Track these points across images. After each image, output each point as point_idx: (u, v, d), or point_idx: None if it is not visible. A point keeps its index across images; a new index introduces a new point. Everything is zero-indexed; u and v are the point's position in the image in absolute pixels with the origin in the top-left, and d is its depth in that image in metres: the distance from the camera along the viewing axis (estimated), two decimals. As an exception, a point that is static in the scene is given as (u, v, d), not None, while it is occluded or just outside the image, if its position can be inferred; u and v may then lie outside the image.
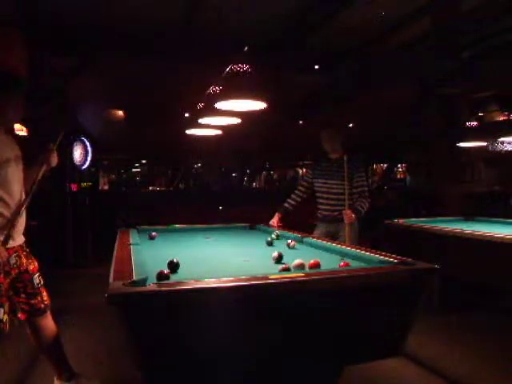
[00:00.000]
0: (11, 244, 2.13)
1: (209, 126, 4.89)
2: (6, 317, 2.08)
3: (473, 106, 7.52)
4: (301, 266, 1.91)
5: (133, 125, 8.60)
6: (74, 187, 7.07)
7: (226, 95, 3.38)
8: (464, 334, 3.37)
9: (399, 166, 14.56)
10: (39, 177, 2.23)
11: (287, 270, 1.84)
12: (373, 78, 5.67)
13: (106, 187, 14.52)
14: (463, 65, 4.83)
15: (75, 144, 6.98)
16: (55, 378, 2.39)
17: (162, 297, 1.42)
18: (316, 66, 5.49)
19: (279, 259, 2.23)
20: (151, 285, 1.48)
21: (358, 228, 3.49)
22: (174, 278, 1.70)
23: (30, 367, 2.76)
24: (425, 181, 9.97)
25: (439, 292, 3.72)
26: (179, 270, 1.91)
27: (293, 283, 1.58)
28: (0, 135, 2.15)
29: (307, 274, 1.70)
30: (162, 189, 14.16)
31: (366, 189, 3.55)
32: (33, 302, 2.23)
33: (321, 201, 3.64)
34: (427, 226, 3.96)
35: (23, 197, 2.21)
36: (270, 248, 2.74)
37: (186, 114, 6.41)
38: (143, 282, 1.50)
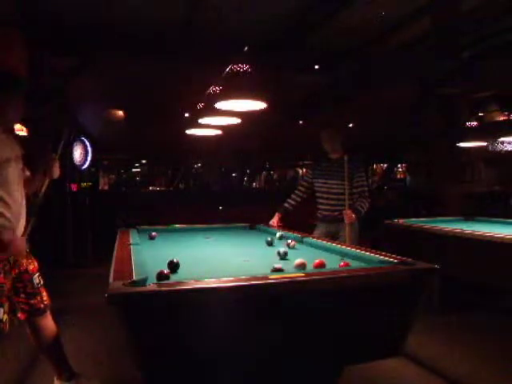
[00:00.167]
0: None
1: (209, 126, 4.89)
2: (5, 317, 2.08)
3: (473, 106, 7.52)
4: (302, 266, 1.91)
5: (133, 125, 8.60)
6: (74, 187, 7.07)
7: (225, 95, 3.38)
8: (464, 334, 3.37)
9: (399, 165, 14.57)
10: (43, 190, 2.23)
11: (279, 270, 1.82)
12: (373, 78, 5.67)
13: (106, 187, 14.53)
14: (463, 65, 4.83)
15: (75, 144, 6.99)
16: (55, 378, 2.39)
17: (161, 297, 1.42)
18: (316, 66, 5.49)
19: (284, 256, 2.30)
20: (151, 285, 1.48)
21: (358, 228, 3.49)
22: (174, 277, 1.70)
23: (30, 367, 2.76)
24: (425, 181, 9.97)
25: (439, 292, 3.72)
26: (179, 270, 1.91)
27: (293, 283, 1.58)
28: (0, 135, 2.15)
29: (307, 274, 1.70)
30: (162, 189, 14.16)
31: (366, 189, 3.55)
32: (32, 301, 2.23)
33: (321, 201, 3.64)
34: (427, 225, 3.96)
35: (23, 197, 2.21)
36: (270, 248, 2.74)
37: (186, 114, 6.42)
38: (143, 281, 1.50)
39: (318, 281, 1.64)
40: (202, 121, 4.37)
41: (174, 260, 1.95)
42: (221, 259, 2.37)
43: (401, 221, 4.22)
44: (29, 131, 4.73)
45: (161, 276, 1.65)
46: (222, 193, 11.31)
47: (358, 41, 5.03)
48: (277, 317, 1.57)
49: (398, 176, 14.60)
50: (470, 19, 4.08)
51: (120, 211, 7.47)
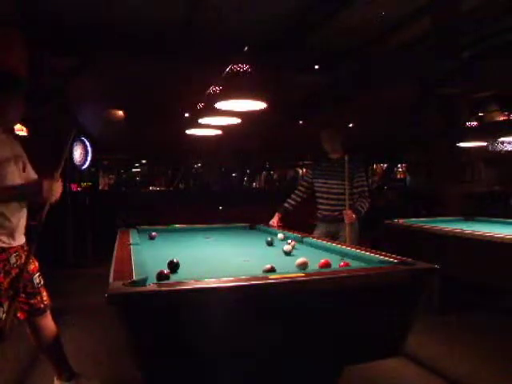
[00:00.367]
0: (12, 244, 2.13)
1: (209, 126, 4.89)
2: (5, 316, 2.08)
3: (473, 106, 7.52)
4: (304, 265, 1.91)
5: (133, 125, 8.60)
6: (74, 187, 7.08)
7: (225, 95, 3.38)
8: (464, 334, 3.37)
9: (399, 165, 14.57)
10: (44, 215, 2.13)
11: (272, 270, 1.81)
12: (373, 78, 5.67)
13: (106, 187, 14.52)
14: (463, 65, 4.83)
15: (75, 144, 6.99)
16: (55, 378, 2.39)
17: (161, 297, 1.42)
18: (316, 66, 5.49)
19: (289, 253, 2.39)
20: (151, 285, 1.48)
21: (359, 228, 3.49)
22: (174, 277, 1.70)
23: (30, 367, 2.77)
24: (425, 181, 9.97)
25: (439, 292, 3.72)
26: (179, 270, 1.91)
27: (293, 283, 1.58)
28: (0, 135, 2.15)
29: (307, 274, 1.70)
30: (162, 189, 14.16)
31: (366, 189, 3.55)
32: (32, 301, 2.23)
33: (321, 201, 3.64)
34: (427, 225, 3.96)
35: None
36: (270, 248, 2.74)
37: (186, 114, 6.42)
38: (143, 281, 1.50)
39: (318, 281, 1.64)
40: (201, 121, 4.37)
41: (174, 260, 1.95)
42: (221, 259, 2.37)
43: (401, 221, 4.22)
44: (29, 131, 4.74)
45: (161, 276, 1.65)
46: (222, 193, 11.31)
47: (358, 41, 5.04)
48: (277, 317, 1.57)
49: (398, 176, 14.61)
50: (469, 19, 4.08)
51: (120, 211, 7.47)
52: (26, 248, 2.27)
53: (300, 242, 2.82)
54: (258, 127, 7.86)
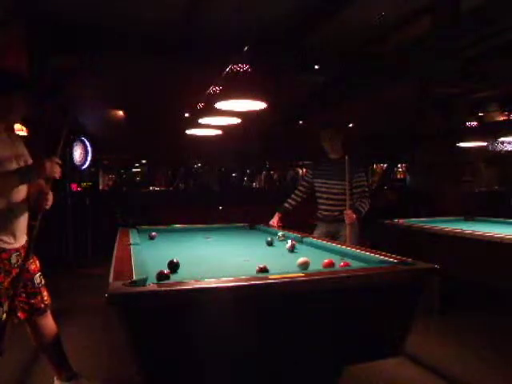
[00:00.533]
0: (14, 244, 2.13)
1: (209, 126, 4.89)
2: (5, 316, 2.08)
3: (473, 106, 7.52)
4: (305, 264, 1.92)
5: (133, 125, 8.60)
6: (74, 187, 7.08)
7: (225, 95, 3.38)
8: (464, 333, 3.37)
9: (399, 165, 14.55)
10: (45, 203, 2.17)
11: (264, 270, 1.79)
12: (373, 78, 5.67)
13: (106, 188, 14.50)
14: (463, 65, 4.83)
15: (75, 144, 6.99)
16: (55, 378, 2.39)
17: (161, 297, 1.42)
18: (316, 66, 5.49)
19: (292, 249, 2.47)
20: (151, 285, 1.48)
21: (359, 228, 3.49)
22: (174, 277, 1.70)
23: (30, 367, 2.77)
24: (425, 181, 9.96)
25: (439, 292, 3.72)
26: (179, 270, 1.91)
27: (293, 283, 1.58)
28: (1, 134, 2.16)
29: (307, 274, 1.70)
30: (162, 189, 14.14)
31: (367, 189, 3.55)
32: (33, 301, 2.23)
33: (321, 201, 3.63)
34: (427, 226, 3.96)
35: (25, 197, 2.20)
36: (270, 248, 2.74)
37: (186, 114, 6.42)
38: (143, 281, 1.50)
39: (318, 281, 1.64)
40: (201, 121, 4.37)
41: (174, 260, 1.95)
42: (221, 259, 2.37)
43: (401, 221, 4.22)
44: (29, 131, 4.73)
45: (161, 276, 1.65)
46: (222, 193, 11.30)
47: (358, 41, 5.04)
48: (277, 317, 1.58)
49: (398, 176, 14.59)
50: (470, 19, 4.08)
51: (118, 207, 7.48)
52: (27, 248, 2.27)
53: (300, 242, 2.82)
54: (258, 127, 7.86)
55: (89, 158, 7.35)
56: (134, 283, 1.48)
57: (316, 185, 3.67)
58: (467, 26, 4.10)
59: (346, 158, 3.34)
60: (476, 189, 9.37)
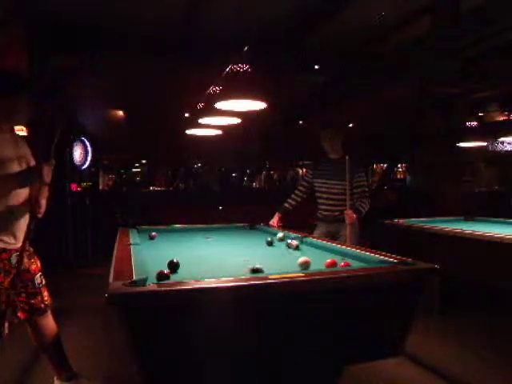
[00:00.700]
0: (14, 245, 2.13)
1: (209, 126, 4.89)
2: (5, 316, 2.08)
3: (473, 106, 7.52)
4: (306, 264, 1.91)
5: (133, 125, 8.60)
6: (74, 187, 7.08)
7: (225, 95, 3.38)
8: (464, 333, 3.37)
9: (399, 165, 14.55)
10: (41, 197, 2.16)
11: (258, 271, 1.78)
12: (373, 78, 5.67)
13: (106, 188, 14.50)
14: (463, 65, 4.83)
15: (75, 144, 6.99)
16: (55, 378, 2.39)
17: (161, 297, 1.42)
18: (316, 66, 5.49)
19: (297, 248, 2.54)
20: (151, 285, 1.48)
21: (359, 228, 3.49)
22: (174, 277, 1.70)
23: (30, 367, 2.77)
24: (425, 181, 9.95)
25: (439, 292, 3.72)
26: (179, 270, 1.91)
27: (293, 283, 1.58)
28: (4, 134, 2.16)
29: (307, 274, 1.70)
30: (162, 189, 14.14)
31: (367, 189, 3.55)
32: (33, 301, 2.23)
33: (321, 201, 3.63)
34: (427, 225, 3.96)
35: (26, 197, 2.20)
36: (270, 248, 2.74)
37: (186, 114, 6.42)
38: (143, 281, 1.50)
39: (318, 281, 1.64)
40: (201, 121, 4.37)
41: (174, 260, 1.95)
42: (221, 259, 2.37)
43: (401, 221, 4.22)
44: (29, 131, 4.73)
45: (161, 276, 1.65)
46: (222, 193, 11.30)
47: (358, 41, 5.04)
48: (277, 317, 1.58)
49: (398, 176, 14.59)
50: (470, 19, 4.09)
51: (118, 207, 7.48)
52: (27, 248, 2.27)
53: (300, 241, 2.82)
54: (258, 127, 7.87)
55: (89, 158, 7.35)
56: (134, 283, 1.48)
57: (316, 185, 3.67)
58: (467, 25, 4.10)
59: (347, 157, 3.34)
60: (476, 189, 9.37)
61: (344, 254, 2.27)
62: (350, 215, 3.31)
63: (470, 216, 4.65)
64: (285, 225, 3.62)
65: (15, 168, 2.13)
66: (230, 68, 3.64)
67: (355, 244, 3.00)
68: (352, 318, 1.71)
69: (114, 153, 12.75)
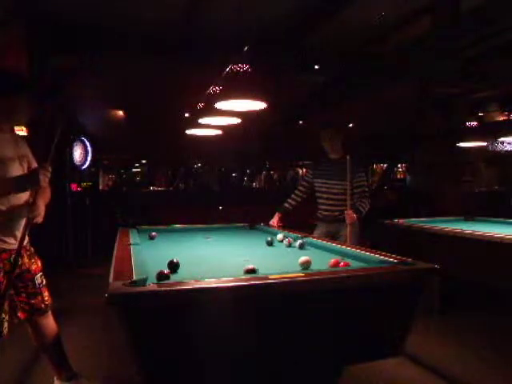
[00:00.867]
0: (15, 245, 2.13)
1: (209, 126, 4.89)
2: (4, 316, 2.08)
3: (473, 106, 7.52)
4: (307, 263, 1.91)
5: (133, 125, 8.60)
6: (74, 187, 7.08)
7: (225, 95, 3.37)
8: (464, 333, 3.37)
9: (399, 165, 14.55)
10: (36, 201, 2.12)
11: (252, 271, 1.77)
12: (373, 78, 5.67)
13: (106, 188, 14.50)
14: (463, 65, 4.83)
15: (75, 144, 6.99)
16: (55, 378, 2.39)
17: (161, 297, 1.42)
18: (316, 66, 5.49)
19: (302, 247, 2.56)
20: (151, 285, 1.48)
21: (359, 228, 3.49)
22: (174, 277, 1.70)
23: (30, 367, 2.77)
24: (425, 181, 9.95)
25: (439, 292, 3.72)
26: (179, 270, 1.91)
27: (293, 283, 1.58)
28: (4, 134, 2.16)
29: (307, 274, 1.70)
30: (162, 189, 14.14)
31: (367, 189, 3.55)
32: (33, 301, 2.23)
33: (321, 201, 3.63)
34: (427, 225, 3.96)
35: (27, 198, 2.20)
36: (270, 248, 2.74)
37: (186, 114, 6.42)
38: (143, 281, 1.50)
39: (318, 281, 1.64)
40: (201, 121, 4.37)
41: (174, 260, 1.95)
42: (221, 259, 2.37)
43: (401, 221, 4.22)
44: (29, 131, 4.74)
45: (161, 276, 1.65)
46: (222, 193, 11.30)
47: (358, 41, 5.04)
48: (277, 317, 1.58)
49: (398, 176, 14.59)
50: (470, 19, 4.09)
51: (118, 207, 7.48)
52: (28, 248, 2.27)
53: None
54: (258, 127, 7.87)
55: (89, 158, 7.35)
56: (134, 283, 1.48)
57: (316, 185, 3.67)
58: (467, 25, 4.11)
59: (348, 157, 3.34)
60: (476, 189, 9.37)
61: (344, 254, 2.27)
62: (350, 215, 3.31)
63: (469, 216, 4.65)
64: (285, 225, 3.62)
65: (16, 168, 2.13)
66: (230, 68, 3.64)
67: (355, 244, 3.00)
68: (352, 318, 1.71)
69: (114, 153, 12.75)
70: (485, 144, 7.55)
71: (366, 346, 1.78)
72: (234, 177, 15.87)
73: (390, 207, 7.83)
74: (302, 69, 5.55)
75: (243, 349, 1.54)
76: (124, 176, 17.01)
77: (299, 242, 2.65)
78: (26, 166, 2.22)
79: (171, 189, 13.51)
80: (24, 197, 2.17)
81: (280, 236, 2.96)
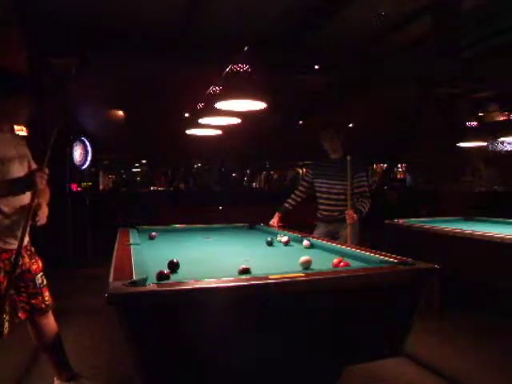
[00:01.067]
0: (15, 245, 2.13)
1: (209, 126, 4.89)
2: (5, 316, 2.08)
3: (473, 106, 7.52)
4: (308, 263, 1.92)
5: (133, 125, 8.60)
6: (74, 187, 7.08)
7: (226, 95, 3.38)
8: (464, 333, 3.37)
9: (399, 165, 14.56)
10: (34, 204, 2.11)
11: (246, 271, 1.77)
12: (373, 78, 5.67)
13: (106, 188, 14.51)
14: (463, 65, 4.84)
15: (75, 144, 7.00)
16: (55, 378, 2.39)
17: (161, 297, 1.42)
18: (316, 66, 5.49)
19: (309, 247, 2.59)
20: (151, 285, 1.48)
21: (359, 228, 3.49)
22: (174, 277, 1.70)
23: (30, 367, 2.76)
24: (424, 180, 9.96)
25: (439, 292, 3.72)
26: (179, 270, 1.91)
27: (293, 283, 1.58)
28: (5, 134, 2.16)
29: (307, 274, 1.70)
30: (162, 189, 14.15)
31: (367, 189, 3.54)
32: (33, 301, 2.23)
33: (321, 201, 3.63)
34: (427, 225, 3.96)
35: (28, 196, 2.20)
36: (269, 248, 2.74)
37: (186, 114, 6.42)
38: (143, 281, 1.50)
39: (318, 281, 1.64)
40: (201, 121, 4.37)
41: (174, 260, 1.95)
42: (221, 259, 2.37)
43: (401, 221, 4.22)
44: (29, 131, 4.74)
45: (161, 276, 1.65)
46: (222, 193, 11.31)
47: (358, 41, 5.04)
48: (277, 317, 1.57)
49: (398, 176, 14.60)
50: (470, 19, 4.09)
51: (120, 211, 7.48)
52: (29, 248, 2.27)
53: (300, 242, 2.82)
54: (259, 127, 7.87)
55: (89, 158, 7.37)
56: (134, 283, 1.48)
57: (316, 185, 3.67)
58: (467, 25, 4.11)
59: (348, 157, 3.34)
60: (476, 189, 9.37)
61: (344, 254, 2.27)
62: (350, 215, 3.31)
63: (469, 216, 4.65)
64: (285, 225, 3.62)
65: (16, 168, 2.13)
66: (230, 68, 3.64)
67: (355, 244, 3.00)
68: (352, 318, 1.71)
69: (114, 153, 12.75)
70: (485, 144, 7.55)
71: (365, 345, 1.78)
72: (234, 177, 15.88)
73: (390, 207, 7.83)
74: (301, 69, 5.55)
75: (243, 349, 1.54)
76: (124, 176, 17.02)
77: (305, 241, 2.66)
78: (26, 166, 2.22)
79: (171, 189, 13.51)
80: (25, 197, 2.17)
81: (285, 238, 2.92)
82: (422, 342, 3.03)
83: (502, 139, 8.24)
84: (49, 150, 2.18)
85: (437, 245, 3.64)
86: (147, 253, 2.35)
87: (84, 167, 7.40)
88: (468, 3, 3.85)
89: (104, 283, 1.54)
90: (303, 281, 1.61)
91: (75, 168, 7.05)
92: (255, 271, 1.77)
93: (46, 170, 2.12)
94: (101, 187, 12.54)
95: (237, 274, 1.73)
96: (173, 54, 5.01)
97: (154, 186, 14.82)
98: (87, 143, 7.32)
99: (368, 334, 1.76)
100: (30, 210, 2.11)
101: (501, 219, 4.41)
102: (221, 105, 3.45)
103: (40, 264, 2.31)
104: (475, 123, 7.35)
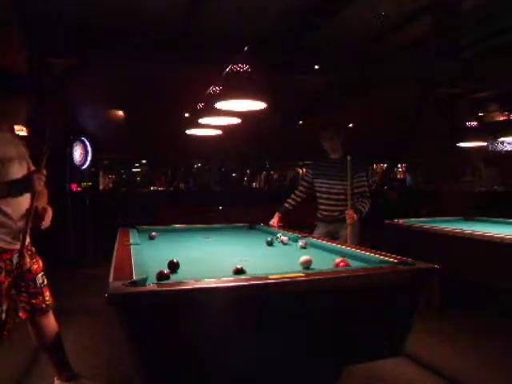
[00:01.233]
0: (16, 245, 2.13)
1: (209, 126, 4.89)
2: (5, 316, 2.08)
3: (473, 106, 7.52)
4: (308, 263, 1.92)
5: (133, 125, 8.60)
6: (74, 187, 7.08)
7: (226, 95, 3.38)
8: (464, 333, 3.37)
9: (399, 165, 14.56)
10: (34, 205, 2.13)
11: (241, 271, 1.77)
12: (373, 78, 5.67)
13: (106, 188, 14.51)
14: (463, 65, 4.84)
15: (75, 144, 7.00)
16: (55, 378, 2.39)
17: (161, 297, 1.42)
18: (316, 66, 5.49)
19: (305, 247, 2.58)
20: (151, 285, 1.49)
21: (359, 228, 3.49)
22: (174, 277, 1.70)
23: (30, 367, 2.76)
24: (424, 180, 9.96)
25: (439, 292, 3.72)
26: (179, 270, 1.91)
27: (293, 283, 1.58)
28: (4, 134, 2.16)
29: (307, 274, 1.70)
30: (162, 189, 14.14)
31: (367, 189, 3.54)
32: (34, 301, 2.23)
33: (321, 201, 3.63)
34: (427, 225, 3.96)
35: (28, 197, 2.20)
36: (269, 248, 2.74)
37: (186, 114, 6.42)
38: (143, 281, 1.50)
39: (318, 281, 1.64)
40: (201, 121, 4.37)
41: (174, 260, 1.95)
42: (221, 259, 2.37)
43: (401, 221, 4.22)
44: (29, 131, 4.74)
45: (161, 276, 1.65)
46: (222, 193, 11.30)
47: (358, 41, 5.04)
48: (277, 317, 1.58)
49: (398, 176, 14.60)
50: (470, 19, 4.09)
51: (120, 211, 7.48)
52: (30, 248, 2.27)
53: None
54: (258, 127, 7.87)
55: (89, 158, 7.37)
56: (134, 283, 1.48)
57: (316, 185, 3.67)
58: (467, 25, 4.11)
59: (349, 158, 3.34)
60: (476, 189, 9.37)
61: (344, 254, 2.27)
62: (350, 215, 3.31)
63: (469, 216, 4.65)
64: (285, 225, 3.61)
65: (16, 168, 2.13)
66: (230, 68, 3.63)
67: (355, 244, 3.00)
68: (352, 317, 1.71)
69: (114, 153, 12.75)
70: (485, 144, 7.55)
71: (365, 345, 1.78)
72: (234, 177, 15.87)
73: (390, 207, 7.83)
74: (302, 69, 5.55)
75: (243, 349, 1.54)
76: (124, 176, 17.01)
77: (301, 241, 2.65)
78: (25, 166, 2.22)
79: (171, 189, 13.50)
80: (25, 197, 2.17)
81: (285, 238, 2.93)
82: (422, 342, 3.03)
83: (502, 139, 8.24)
84: (46, 150, 2.18)
85: (437, 245, 3.64)
86: (147, 253, 2.35)
87: (84, 167, 7.40)
88: (468, 3, 3.85)
89: (104, 283, 1.54)
90: (303, 281, 1.61)
91: (75, 168, 7.05)
92: (255, 271, 1.77)
93: (44, 171, 2.12)
94: (101, 187, 12.53)
95: (232, 274, 1.73)
96: (173, 53, 5.01)
97: (153, 185, 14.81)
98: (87, 143, 7.32)
99: (368, 334, 1.76)
100: (31, 211, 2.11)
101: (501, 219, 4.41)
102: (221, 105, 3.45)
103: (40, 264, 2.31)
104: (475, 123, 7.35)
